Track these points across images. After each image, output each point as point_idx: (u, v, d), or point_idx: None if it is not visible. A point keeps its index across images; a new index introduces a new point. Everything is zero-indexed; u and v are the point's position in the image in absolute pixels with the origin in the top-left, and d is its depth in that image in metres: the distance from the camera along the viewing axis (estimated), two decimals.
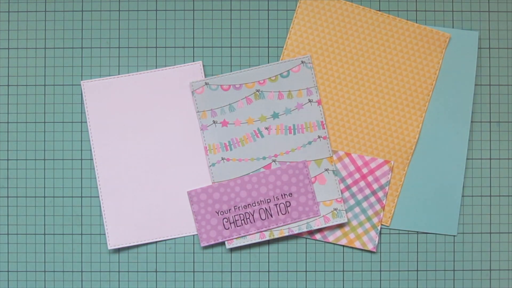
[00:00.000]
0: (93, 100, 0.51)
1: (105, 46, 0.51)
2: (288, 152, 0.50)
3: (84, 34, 0.51)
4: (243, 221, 0.49)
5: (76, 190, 0.51)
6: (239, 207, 0.49)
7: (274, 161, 0.49)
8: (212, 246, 0.50)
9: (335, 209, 0.49)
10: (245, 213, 0.49)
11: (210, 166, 0.50)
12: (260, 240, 0.50)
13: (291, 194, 0.49)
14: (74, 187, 0.51)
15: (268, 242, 0.51)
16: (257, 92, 0.49)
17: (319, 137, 0.50)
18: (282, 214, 0.49)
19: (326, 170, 0.50)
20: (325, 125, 0.50)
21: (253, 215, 0.49)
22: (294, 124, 0.50)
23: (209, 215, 0.49)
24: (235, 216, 0.49)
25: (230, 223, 0.49)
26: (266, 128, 0.50)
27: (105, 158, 0.50)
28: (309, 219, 0.49)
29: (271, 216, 0.49)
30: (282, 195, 0.49)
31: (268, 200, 0.49)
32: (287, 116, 0.49)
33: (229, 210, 0.49)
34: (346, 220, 0.49)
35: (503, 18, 0.52)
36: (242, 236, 0.49)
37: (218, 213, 0.49)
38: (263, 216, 0.49)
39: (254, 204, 0.49)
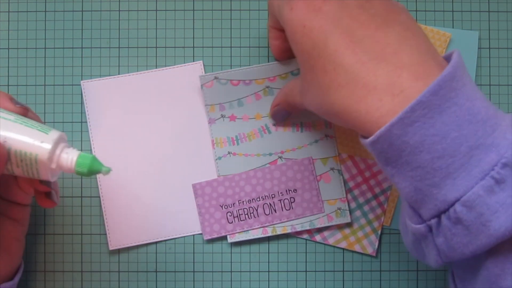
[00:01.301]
0: (93, 100, 0.51)
1: (105, 46, 0.51)
2: (294, 149, 0.50)
3: (84, 34, 0.51)
4: (247, 216, 0.49)
5: (76, 190, 0.51)
6: (243, 202, 0.49)
7: (280, 157, 0.49)
8: (212, 246, 0.50)
9: (339, 209, 0.49)
10: (249, 207, 0.49)
11: (216, 159, 0.50)
12: (262, 235, 0.50)
13: (296, 190, 0.49)
14: (74, 187, 0.51)
15: (268, 242, 0.51)
16: (266, 89, 0.49)
17: (326, 136, 0.50)
18: (286, 209, 0.49)
19: (332, 169, 0.50)
20: (332, 124, 0.50)
21: (257, 210, 0.49)
22: (301, 122, 0.50)
23: (213, 208, 0.49)
24: (239, 210, 0.49)
25: (234, 217, 0.49)
26: (274, 125, 0.50)
27: (105, 158, 0.50)
28: (312, 216, 0.49)
29: (275, 211, 0.49)
30: (286, 191, 0.49)
31: (273, 196, 0.49)
32: (295, 115, 0.49)
33: (233, 204, 0.49)
34: (349, 220, 0.49)
35: (503, 18, 0.52)
36: (244, 231, 0.49)
37: (222, 206, 0.49)
38: (267, 211, 0.49)
39: (258, 199, 0.49)
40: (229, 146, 0.50)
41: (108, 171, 0.37)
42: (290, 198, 0.49)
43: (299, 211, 0.49)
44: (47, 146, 0.35)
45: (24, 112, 0.38)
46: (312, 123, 0.50)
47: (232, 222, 0.49)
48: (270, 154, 0.50)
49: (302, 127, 0.50)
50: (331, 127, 0.50)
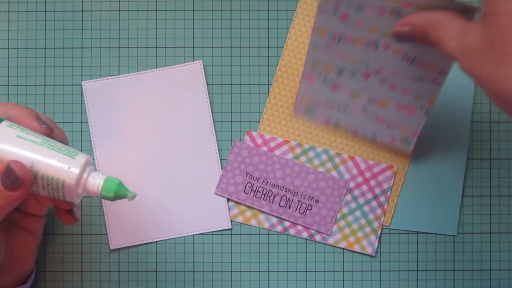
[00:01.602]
0: (94, 100, 0.51)
1: (105, 46, 0.51)
2: (393, 74, 0.44)
3: (84, 34, 0.51)
4: (263, 196, 0.49)
5: None
6: (268, 182, 0.49)
7: (375, 74, 0.44)
8: (212, 246, 0.50)
9: (406, 138, 0.47)
10: (269, 190, 0.49)
11: (310, 46, 0.44)
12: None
13: (318, 201, 0.49)
14: None
15: (268, 242, 0.51)
16: (394, 9, 0.41)
17: (433, 80, 0.44)
18: (300, 213, 0.49)
19: (421, 107, 0.45)
20: (447, 74, 0.43)
21: (274, 197, 0.49)
22: (416, 56, 0.43)
23: (238, 171, 0.50)
24: (259, 188, 0.49)
25: (251, 190, 0.49)
26: (385, 45, 0.43)
27: (106, 158, 0.50)
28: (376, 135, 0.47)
29: (289, 208, 0.49)
30: (309, 197, 0.49)
31: (295, 193, 0.49)
32: (414, 47, 0.42)
33: (258, 179, 0.49)
34: (410, 150, 0.48)
35: None
36: (257, 209, 0.50)
37: (247, 174, 0.49)
38: (282, 203, 0.49)
39: (281, 188, 0.49)
40: (328, 39, 0.43)
41: (133, 196, 0.37)
42: (309, 205, 0.49)
43: (308, 221, 0.49)
44: (75, 171, 0.35)
45: (50, 132, 0.37)
46: (426, 63, 0.43)
47: (247, 193, 0.50)
48: (367, 67, 0.44)
49: (414, 61, 0.43)
50: (444, 75, 0.43)
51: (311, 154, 0.50)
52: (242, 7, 0.52)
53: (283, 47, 0.51)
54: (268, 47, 0.51)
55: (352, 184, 0.50)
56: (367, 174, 0.50)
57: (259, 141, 0.51)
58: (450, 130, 0.51)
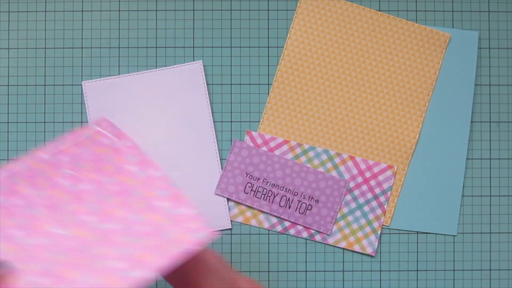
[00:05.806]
0: (94, 100, 0.51)
1: (105, 46, 0.51)
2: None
3: (84, 34, 0.51)
4: (263, 196, 0.50)
5: None
6: (268, 182, 0.50)
7: None
8: (212, 246, 0.50)
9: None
10: (269, 190, 0.50)
11: None
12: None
13: (318, 201, 0.49)
14: None
15: (268, 242, 0.51)
16: None
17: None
18: (300, 213, 0.50)
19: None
20: None
21: (274, 196, 0.50)
22: None
23: (238, 171, 0.50)
24: (259, 187, 0.50)
25: (251, 190, 0.50)
26: None
27: None
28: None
29: (289, 208, 0.50)
30: (309, 197, 0.50)
31: (295, 193, 0.50)
32: None
33: (258, 179, 0.50)
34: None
35: (503, 18, 0.52)
36: (257, 209, 0.50)
37: (247, 174, 0.50)
38: (282, 203, 0.50)
39: (282, 188, 0.50)
40: None
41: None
42: (309, 205, 0.50)
43: (308, 220, 0.50)
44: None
45: None
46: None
47: (247, 193, 0.50)
48: None
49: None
50: None
51: (311, 154, 0.50)
52: (242, 7, 0.52)
53: (283, 47, 0.51)
54: (268, 47, 0.51)
55: (352, 184, 0.50)
56: (367, 174, 0.50)
57: (259, 141, 0.51)
58: (450, 130, 0.51)
